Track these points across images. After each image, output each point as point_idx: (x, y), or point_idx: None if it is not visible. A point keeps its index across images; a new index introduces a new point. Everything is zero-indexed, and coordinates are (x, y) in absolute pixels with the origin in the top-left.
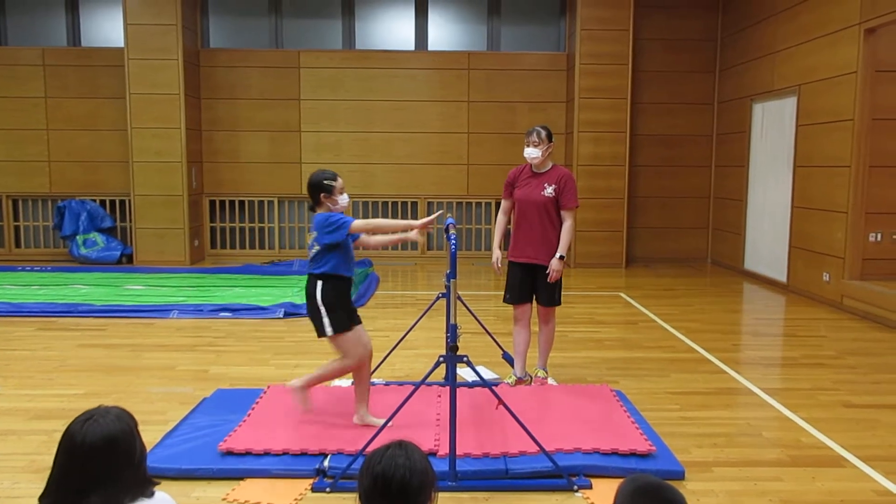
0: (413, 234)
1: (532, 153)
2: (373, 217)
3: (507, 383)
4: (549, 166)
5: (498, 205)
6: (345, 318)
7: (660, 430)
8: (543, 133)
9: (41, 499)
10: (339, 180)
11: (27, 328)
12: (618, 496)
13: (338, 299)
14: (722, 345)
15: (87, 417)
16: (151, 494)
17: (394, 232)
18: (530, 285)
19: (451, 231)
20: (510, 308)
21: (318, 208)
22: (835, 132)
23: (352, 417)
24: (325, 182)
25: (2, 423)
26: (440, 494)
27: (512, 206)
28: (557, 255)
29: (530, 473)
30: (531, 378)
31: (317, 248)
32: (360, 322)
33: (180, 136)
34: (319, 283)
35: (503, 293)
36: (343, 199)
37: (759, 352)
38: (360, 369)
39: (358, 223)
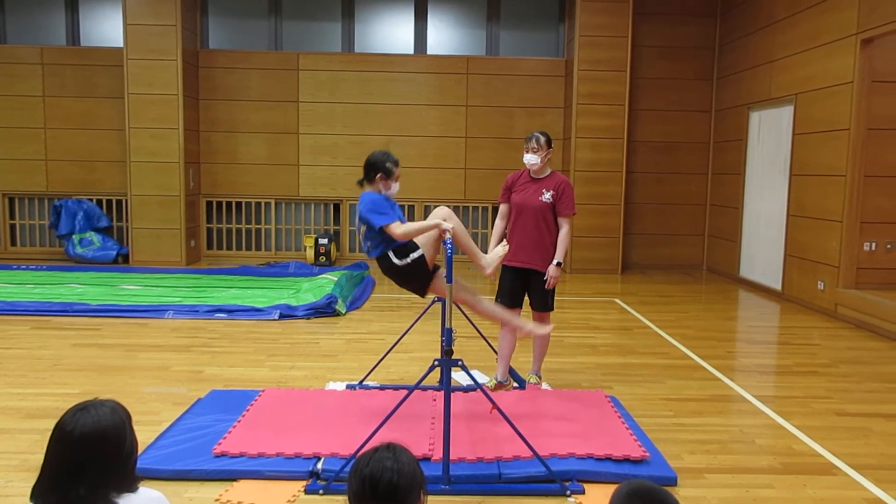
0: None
1: (531, 159)
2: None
3: (488, 386)
4: (548, 172)
5: (495, 209)
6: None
7: (653, 436)
8: (543, 139)
9: (34, 488)
10: (398, 168)
11: (22, 327)
12: (613, 499)
13: (414, 263)
14: (716, 352)
15: (81, 408)
16: (136, 490)
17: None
18: (522, 290)
19: (448, 235)
20: None
21: (367, 186)
22: (831, 141)
23: (347, 420)
24: (388, 164)
25: None
26: (433, 498)
27: (510, 211)
28: (555, 261)
29: (524, 478)
30: (511, 382)
31: (363, 228)
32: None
33: (178, 136)
34: (392, 254)
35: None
36: (395, 187)
37: (753, 359)
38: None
39: (397, 229)
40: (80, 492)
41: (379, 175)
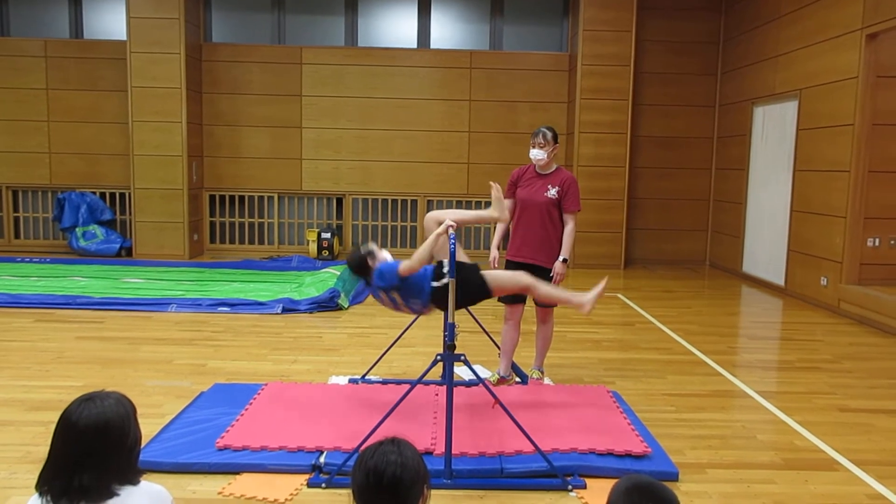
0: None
1: (538, 154)
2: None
3: (490, 381)
4: (554, 168)
5: None
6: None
7: (655, 432)
8: (550, 134)
9: (39, 476)
10: (375, 247)
11: (25, 319)
12: (612, 494)
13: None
14: (718, 347)
15: (87, 398)
16: (137, 483)
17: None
18: None
19: (451, 230)
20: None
21: (370, 276)
22: (835, 137)
23: (349, 415)
24: (364, 253)
25: None
26: (435, 492)
27: (514, 206)
28: (561, 258)
29: (525, 473)
30: (513, 377)
31: (398, 297)
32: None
33: (181, 130)
34: (434, 284)
35: None
36: (384, 255)
37: (756, 355)
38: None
39: (405, 266)
40: (83, 481)
41: (367, 264)
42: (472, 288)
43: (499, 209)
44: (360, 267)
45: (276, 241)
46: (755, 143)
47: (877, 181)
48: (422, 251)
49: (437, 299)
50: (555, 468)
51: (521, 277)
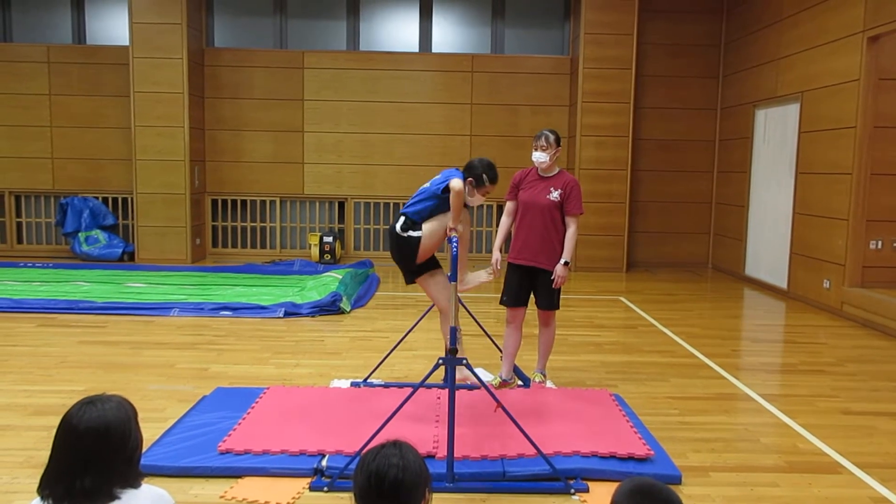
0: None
1: (540, 157)
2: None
3: (492, 384)
4: (556, 171)
5: (499, 208)
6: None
7: (658, 435)
8: (552, 137)
9: (41, 480)
10: (492, 187)
11: (28, 324)
12: (615, 496)
13: (410, 240)
14: (721, 350)
15: (88, 402)
16: (139, 486)
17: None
18: (528, 288)
19: (453, 233)
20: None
21: (465, 173)
22: (837, 139)
23: (351, 418)
24: (483, 176)
25: (1, 418)
26: (437, 495)
27: (516, 208)
28: (562, 261)
29: (528, 476)
30: (515, 380)
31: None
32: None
33: (184, 134)
34: (403, 217)
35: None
36: (477, 200)
37: (759, 358)
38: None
39: (457, 184)
40: (84, 484)
41: (469, 179)
42: (406, 256)
43: (473, 280)
44: (476, 167)
45: (279, 245)
46: (757, 146)
47: (879, 184)
48: (458, 201)
49: (393, 233)
50: (557, 471)
51: (441, 300)
